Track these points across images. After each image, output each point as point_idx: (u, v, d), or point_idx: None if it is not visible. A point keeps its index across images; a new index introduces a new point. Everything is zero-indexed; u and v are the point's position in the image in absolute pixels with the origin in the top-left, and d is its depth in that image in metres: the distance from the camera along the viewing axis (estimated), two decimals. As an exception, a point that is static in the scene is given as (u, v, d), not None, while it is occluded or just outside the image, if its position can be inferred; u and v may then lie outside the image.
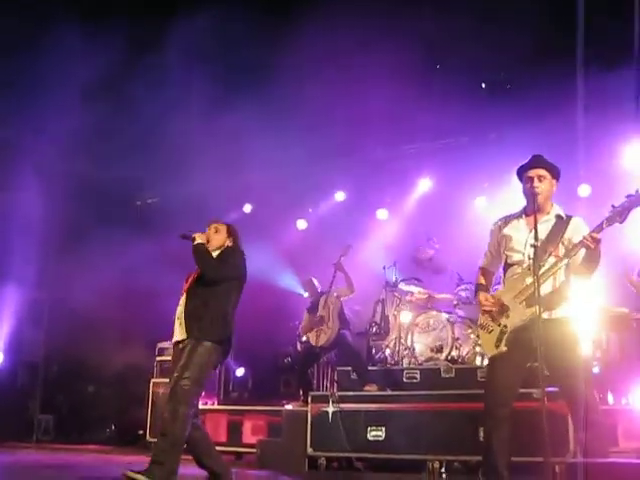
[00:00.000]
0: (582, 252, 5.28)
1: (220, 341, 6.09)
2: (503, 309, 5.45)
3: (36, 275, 12.35)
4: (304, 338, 9.78)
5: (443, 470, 7.49)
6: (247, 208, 13.10)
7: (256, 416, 9.76)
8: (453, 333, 9.12)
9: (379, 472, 7.96)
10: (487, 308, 5.52)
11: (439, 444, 7.55)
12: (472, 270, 6.12)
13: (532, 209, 5.48)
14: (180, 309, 6.23)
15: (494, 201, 10.82)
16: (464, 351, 9.16)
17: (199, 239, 6.29)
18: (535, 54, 9.88)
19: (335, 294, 9.44)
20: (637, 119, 9.81)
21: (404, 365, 9.20)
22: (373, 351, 9.89)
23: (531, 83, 10.19)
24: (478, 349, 8.94)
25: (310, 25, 9.50)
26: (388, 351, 9.52)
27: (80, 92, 10.37)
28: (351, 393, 8.43)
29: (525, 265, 5.43)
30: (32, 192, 11.86)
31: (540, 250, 5.27)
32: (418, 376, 8.76)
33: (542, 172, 5.53)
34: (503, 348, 5.39)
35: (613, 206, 5.18)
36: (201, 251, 6.24)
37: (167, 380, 6.56)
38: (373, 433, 7.90)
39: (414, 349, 9.25)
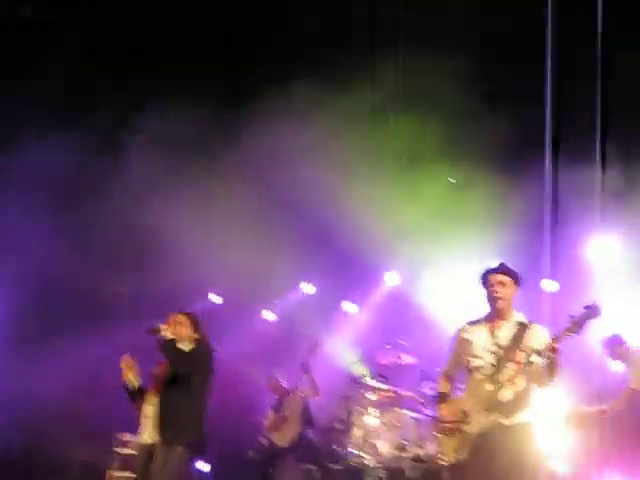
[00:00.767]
0: (542, 360, 5.29)
1: (193, 445, 5.95)
2: (464, 416, 5.44)
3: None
4: (267, 437, 9.64)
5: None
6: (214, 298, 12.97)
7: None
8: (418, 431, 9.03)
9: None
10: (446, 421, 5.52)
11: None
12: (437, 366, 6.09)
13: (493, 315, 5.56)
14: (150, 408, 6.10)
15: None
16: (430, 450, 9.04)
17: (167, 333, 6.19)
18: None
19: (300, 394, 9.38)
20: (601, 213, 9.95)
21: (368, 464, 9.07)
22: (336, 448, 9.74)
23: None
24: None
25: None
26: (352, 449, 9.35)
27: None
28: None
29: (485, 371, 5.44)
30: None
31: (501, 357, 5.34)
32: (383, 476, 8.65)
33: (504, 278, 5.58)
34: (463, 455, 5.36)
35: (571, 316, 5.22)
36: (171, 347, 6.13)
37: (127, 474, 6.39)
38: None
39: (378, 448, 9.13)
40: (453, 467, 5.47)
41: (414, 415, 9.23)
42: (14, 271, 11.19)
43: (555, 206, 10.30)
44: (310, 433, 9.24)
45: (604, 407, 8.73)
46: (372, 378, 9.84)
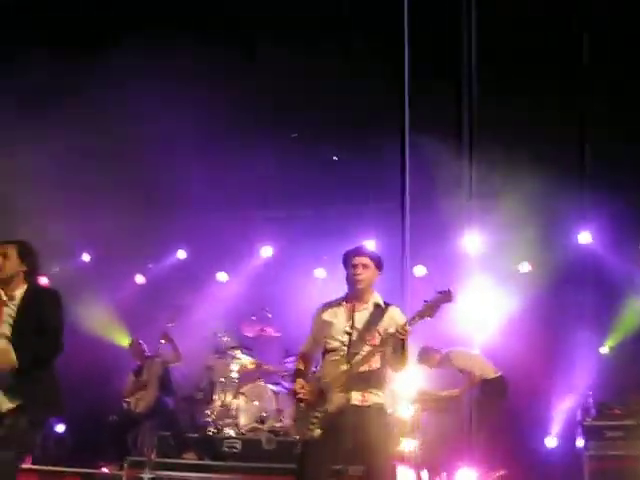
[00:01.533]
0: (394, 342, 5.40)
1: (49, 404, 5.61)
2: (319, 394, 5.50)
3: None
4: (126, 402, 9.55)
5: None
6: (85, 257, 12.67)
7: (69, 479, 9.34)
8: (278, 405, 9.12)
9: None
10: (301, 396, 5.55)
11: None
12: (301, 342, 6.11)
13: (353, 296, 5.62)
14: None
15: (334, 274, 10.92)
16: (287, 423, 9.15)
17: None
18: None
19: (160, 360, 9.32)
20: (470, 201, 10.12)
21: (226, 434, 9.10)
22: (196, 418, 9.74)
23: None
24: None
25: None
26: (211, 419, 9.37)
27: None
28: (169, 460, 8.26)
29: (341, 352, 5.50)
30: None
31: (356, 338, 5.43)
32: (239, 446, 8.69)
33: (366, 261, 5.63)
34: (316, 432, 5.43)
35: (425, 301, 5.35)
36: None
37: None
38: (189, 502, 7.76)
39: (238, 418, 9.17)
40: (306, 443, 5.51)
41: (275, 388, 9.31)
42: None
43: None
44: (169, 400, 9.19)
45: (456, 392, 9.06)
46: (237, 349, 9.85)
